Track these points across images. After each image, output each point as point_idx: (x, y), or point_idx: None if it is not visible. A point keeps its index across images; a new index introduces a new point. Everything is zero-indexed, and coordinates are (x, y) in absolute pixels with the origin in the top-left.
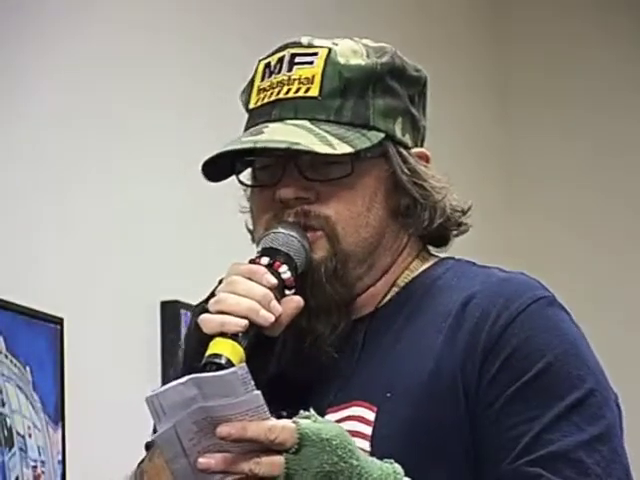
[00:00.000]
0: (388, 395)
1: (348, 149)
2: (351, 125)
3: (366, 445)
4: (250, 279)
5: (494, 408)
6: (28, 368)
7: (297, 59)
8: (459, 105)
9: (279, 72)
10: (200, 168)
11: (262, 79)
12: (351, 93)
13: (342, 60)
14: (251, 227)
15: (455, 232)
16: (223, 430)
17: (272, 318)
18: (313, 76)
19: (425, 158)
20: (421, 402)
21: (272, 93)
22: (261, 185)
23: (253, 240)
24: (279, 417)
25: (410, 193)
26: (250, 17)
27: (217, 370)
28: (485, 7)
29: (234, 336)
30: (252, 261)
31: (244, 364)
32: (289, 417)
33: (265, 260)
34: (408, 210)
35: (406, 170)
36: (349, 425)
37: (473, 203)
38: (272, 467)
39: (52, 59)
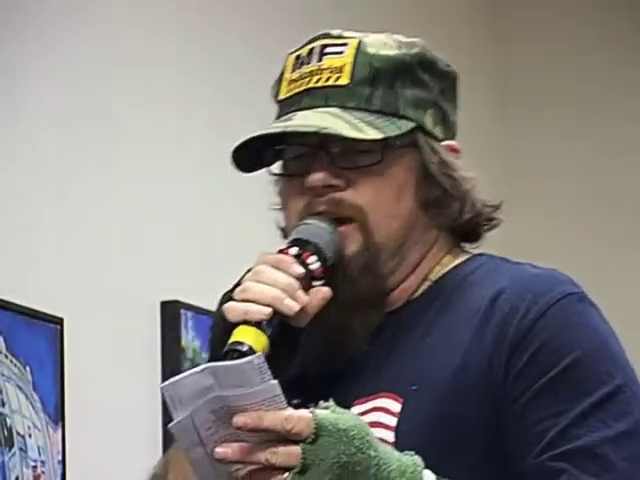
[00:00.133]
0: (414, 388)
1: (378, 135)
2: (381, 113)
3: (390, 436)
4: (277, 268)
5: (520, 402)
6: (28, 368)
7: (327, 49)
8: (459, 105)
9: (309, 63)
10: (231, 156)
11: (292, 71)
12: (381, 82)
13: (372, 50)
14: (282, 224)
15: (486, 227)
16: (239, 420)
17: (297, 307)
18: (343, 65)
19: (455, 150)
20: (447, 396)
21: (302, 83)
22: (291, 174)
23: (285, 237)
24: (297, 407)
25: (440, 184)
26: (250, 17)
27: (239, 358)
28: (485, 7)
29: (258, 324)
30: (281, 251)
31: (261, 353)
32: (306, 407)
33: (294, 250)
34: (438, 201)
35: (436, 160)
36: (374, 416)
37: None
38: (289, 457)
39: (52, 59)
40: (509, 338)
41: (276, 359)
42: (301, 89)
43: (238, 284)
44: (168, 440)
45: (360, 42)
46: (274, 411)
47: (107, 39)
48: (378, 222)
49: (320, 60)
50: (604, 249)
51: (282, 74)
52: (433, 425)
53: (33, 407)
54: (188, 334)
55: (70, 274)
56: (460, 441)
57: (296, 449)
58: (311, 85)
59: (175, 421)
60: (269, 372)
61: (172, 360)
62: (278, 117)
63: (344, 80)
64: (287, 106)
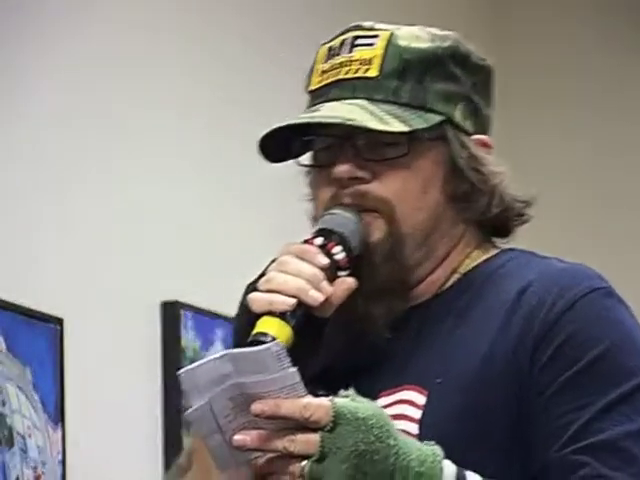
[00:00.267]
0: (440, 380)
1: (404, 128)
2: (409, 106)
3: (414, 428)
4: (301, 259)
5: (545, 395)
6: (28, 368)
7: (358, 41)
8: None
9: (340, 54)
10: (258, 145)
11: (324, 62)
12: (410, 75)
13: (403, 43)
14: (312, 215)
15: (517, 222)
16: (257, 407)
17: (321, 298)
18: (373, 57)
19: (486, 145)
20: (473, 386)
21: (332, 74)
22: (318, 165)
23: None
24: (316, 396)
25: (468, 178)
26: (250, 17)
27: None
28: (485, 7)
29: (282, 315)
30: (306, 241)
31: (279, 340)
32: (326, 395)
33: (319, 240)
34: (465, 195)
35: (464, 154)
36: (399, 408)
37: None
38: (307, 445)
39: (52, 59)
40: (535, 330)
41: (301, 350)
42: (330, 80)
43: (262, 274)
44: (168, 440)
45: (392, 34)
46: (293, 399)
47: (107, 39)
48: (404, 214)
49: (351, 52)
50: (604, 249)
51: (314, 65)
52: (458, 417)
53: (33, 407)
54: (188, 334)
55: (70, 274)
56: (485, 432)
57: (314, 437)
58: (340, 76)
59: (192, 408)
60: (288, 360)
61: (172, 360)
62: (308, 108)
63: (373, 72)
64: (316, 97)
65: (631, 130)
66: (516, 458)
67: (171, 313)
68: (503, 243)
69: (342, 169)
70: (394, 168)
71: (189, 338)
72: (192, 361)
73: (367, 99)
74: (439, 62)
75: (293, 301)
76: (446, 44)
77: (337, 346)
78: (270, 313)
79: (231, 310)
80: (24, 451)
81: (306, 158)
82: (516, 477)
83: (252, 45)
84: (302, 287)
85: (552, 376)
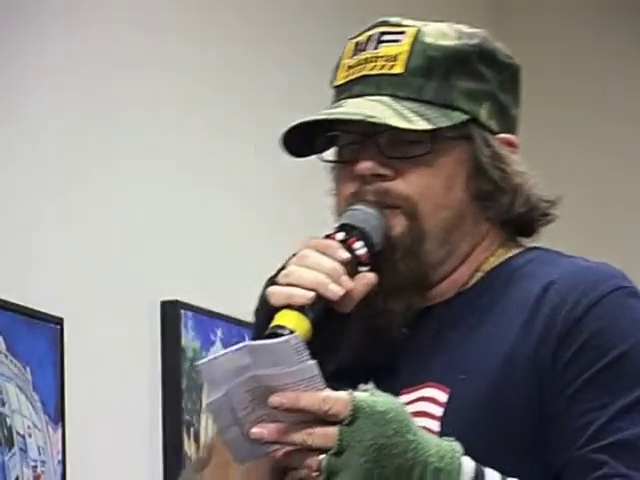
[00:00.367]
0: (462, 377)
1: (427, 126)
2: (433, 104)
3: (435, 425)
4: (322, 253)
5: (567, 393)
6: (28, 368)
7: (385, 37)
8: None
9: (366, 50)
10: (281, 140)
11: (350, 57)
12: (436, 73)
13: (429, 40)
14: (335, 211)
15: (541, 222)
16: (275, 400)
17: (341, 292)
18: (398, 54)
19: (511, 144)
20: (494, 386)
21: (357, 70)
22: (341, 161)
23: None
24: (335, 389)
25: (491, 177)
26: (251, 17)
27: None
28: (486, 7)
29: (301, 309)
30: (327, 236)
31: (297, 333)
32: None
33: (340, 235)
34: (488, 194)
35: (488, 153)
36: (420, 406)
37: None
38: (325, 438)
39: (52, 59)
40: (558, 328)
41: (321, 345)
42: (355, 76)
43: (283, 268)
44: (168, 440)
45: (418, 31)
46: (311, 392)
47: (107, 39)
48: (426, 211)
49: (377, 48)
50: (604, 249)
51: (340, 60)
52: (479, 415)
53: (33, 407)
54: (188, 334)
55: (70, 274)
56: (505, 430)
57: (333, 430)
58: (365, 72)
59: (211, 400)
60: (307, 352)
61: (172, 360)
62: (333, 103)
63: (398, 69)
64: (341, 92)
65: (632, 131)
66: (536, 457)
67: (171, 313)
68: (528, 242)
69: (364, 166)
70: (417, 166)
71: (189, 338)
72: (192, 361)
73: (391, 96)
74: (465, 60)
75: (312, 294)
76: (473, 42)
77: (359, 342)
78: (289, 306)
79: (231, 310)
80: (24, 451)
81: (330, 154)
82: (537, 476)
83: (253, 45)
84: (321, 281)
85: (574, 374)
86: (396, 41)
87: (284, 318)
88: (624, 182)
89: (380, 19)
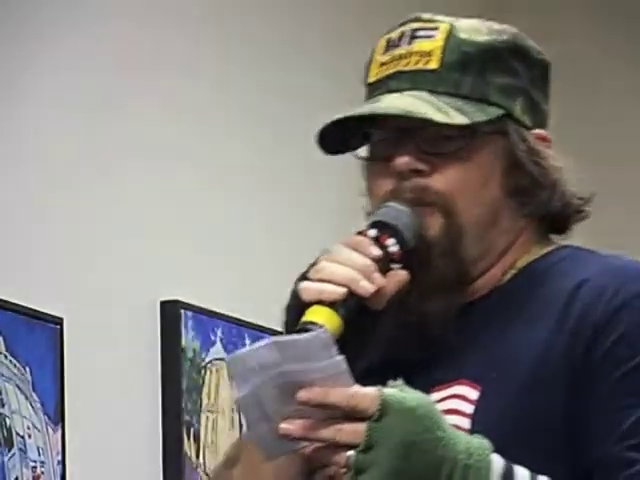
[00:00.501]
0: (494, 375)
1: (464, 120)
2: (469, 99)
3: (466, 423)
4: (354, 249)
5: (599, 391)
6: (28, 368)
7: (418, 33)
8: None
9: (399, 46)
10: (317, 137)
11: (383, 53)
12: (470, 68)
13: (463, 35)
14: (368, 209)
15: (576, 219)
16: (303, 395)
17: (373, 289)
18: (433, 49)
19: (545, 139)
20: (526, 385)
21: (391, 66)
22: (377, 158)
23: None
24: (366, 387)
25: (529, 172)
26: (255, 16)
27: None
28: (484, 5)
29: (332, 305)
30: (360, 233)
31: (326, 328)
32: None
33: (372, 232)
34: (525, 190)
35: (524, 148)
36: (451, 403)
37: None
38: (353, 435)
39: (52, 58)
40: (592, 325)
41: (353, 342)
42: (389, 72)
43: (314, 264)
44: (168, 440)
45: (451, 26)
46: (340, 387)
47: (107, 38)
48: (463, 208)
49: (410, 43)
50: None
51: (372, 57)
52: (512, 413)
53: (33, 407)
54: (188, 334)
55: (70, 274)
56: (537, 430)
57: (361, 427)
58: (399, 68)
59: (240, 395)
60: (336, 348)
61: (172, 360)
62: (366, 100)
63: (433, 64)
64: (375, 89)
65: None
66: (562, 459)
67: (171, 313)
68: (560, 240)
69: (402, 161)
70: (454, 161)
71: (189, 338)
72: (192, 361)
73: (427, 91)
74: (499, 56)
75: (343, 290)
76: (505, 37)
77: (391, 339)
78: (320, 302)
79: (231, 310)
80: (24, 452)
81: (364, 151)
82: (560, 478)
83: (254, 45)
84: (353, 277)
85: (607, 371)
86: (430, 37)
87: (315, 314)
88: (625, 181)
89: (412, 15)
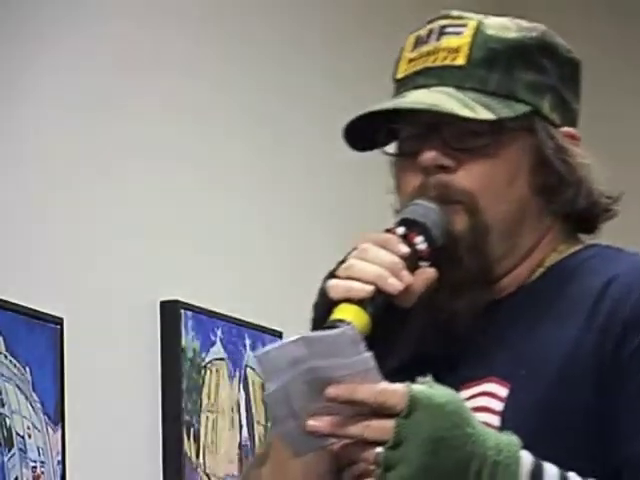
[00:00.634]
0: (523, 373)
1: (491, 116)
2: (496, 95)
3: (495, 420)
4: (382, 247)
5: (627, 389)
6: (28, 368)
7: (446, 30)
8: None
9: (428, 42)
10: (343, 133)
11: (411, 50)
12: (498, 65)
13: (491, 32)
14: (396, 206)
15: (603, 218)
16: (331, 392)
17: (401, 286)
18: (460, 46)
19: (573, 137)
20: (555, 383)
21: (419, 62)
22: (404, 154)
23: None
24: (392, 382)
25: (556, 169)
26: (255, 17)
27: None
28: (484, 4)
29: (360, 302)
30: (388, 230)
31: (354, 325)
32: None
33: (401, 230)
34: (552, 187)
35: (552, 145)
36: (481, 401)
37: None
38: (382, 431)
39: (52, 58)
40: (619, 324)
41: (381, 339)
42: (417, 68)
43: (342, 262)
44: (168, 440)
45: (480, 23)
46: (368, 384)
47: (107, 38)
48: (488, 205)
49: (438, 40)
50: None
51: (401, 53)
52: (539, 411)
53: (33, 407)
54: (188, 334)
55: (70, 274)
56: (565, 427)
57: (389, 423)
58: (427, 64)
59: (269, 391)
60: (363, 344)
61: (172, 360)
62: (394, 96)
63: (460, 60)
64: (402, 85)
65: (633, 132)
66: (589, 457)
67: (171, 313)
68: (588, 239)
69: (428, 156)
70: (480, 158)
71: (189, 338)
72: (192, 361)
73: (454, 87)
74: (527, 52)
75: (371, 288)
76: (534, 34)
77: (420, 337)
78: (348, 300)
79: (231, 310)
80: (23, 452)
81: (391, 147)
82: (587, 476)
83: (255, 45)
84: (381, 274)
85: (637, 368)
86: (458, 33)
87: (343, 312)
88: (628, 181)
89: (441, 12)
